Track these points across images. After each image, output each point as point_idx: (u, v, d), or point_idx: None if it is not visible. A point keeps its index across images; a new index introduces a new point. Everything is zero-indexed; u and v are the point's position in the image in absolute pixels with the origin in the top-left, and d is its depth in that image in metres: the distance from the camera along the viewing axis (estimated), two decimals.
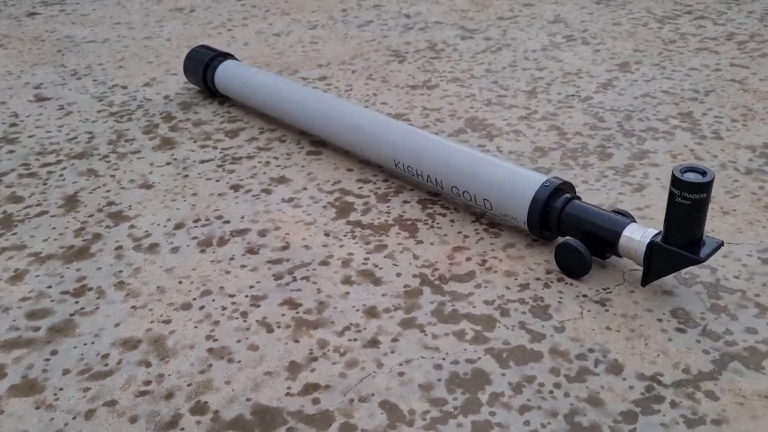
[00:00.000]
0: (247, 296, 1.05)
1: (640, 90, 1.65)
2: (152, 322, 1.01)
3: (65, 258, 1.15)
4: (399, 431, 0.83)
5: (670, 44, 1.91)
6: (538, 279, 1.06)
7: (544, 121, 1.53)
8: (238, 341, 0.97)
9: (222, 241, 1.18)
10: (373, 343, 0.96)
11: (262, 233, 1.19)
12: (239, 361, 0.94)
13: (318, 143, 1.47)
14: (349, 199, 1.28)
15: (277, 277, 1.09)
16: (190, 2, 2.43)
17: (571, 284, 1.05)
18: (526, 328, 0.97)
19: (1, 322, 1.02)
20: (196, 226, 1.22)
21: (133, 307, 1.04)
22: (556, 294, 1.03)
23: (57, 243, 1.19)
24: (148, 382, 0.91)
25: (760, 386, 0.87)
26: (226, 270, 1.11)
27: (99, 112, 1.65)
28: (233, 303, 1.04)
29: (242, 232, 1.20)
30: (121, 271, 1.11)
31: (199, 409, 0.87)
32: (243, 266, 1.11)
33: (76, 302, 1.05)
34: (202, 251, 1.15)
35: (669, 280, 1.04)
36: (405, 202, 1.27)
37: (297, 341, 0.97)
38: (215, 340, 0.97)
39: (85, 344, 0.97)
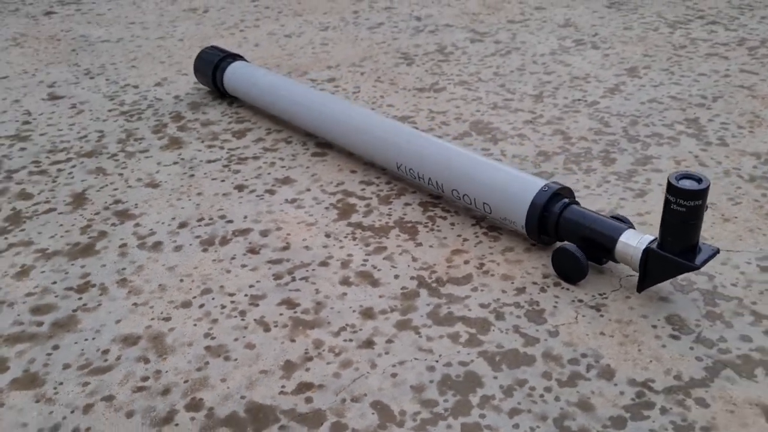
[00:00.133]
0: (246, 295, 1.07)
1: (647, 95, 1.65)
2: (152, 319, 1.03)
3: (71, 255, 1.17)
4: (389, 431, 0.84)
5: (680, 49, 1.90)
6: (534, 283, 1.07)
7: (550, 125, 1.53)
8: (236, 340, 0.98)
9: (224, 241, 1.19)
10: (368, 343, 0.97)
11: (264, 233, 1.21)
12: (236, 359, 0.95)
13: (323, 145, 1.48)
14: (352, 200, 1.29)
15: (277, 276, 1.10)
16: (204, 2, 2.46)
17: (568, 289, 1.05)
18: (520, 332, 0.98)
19: (5, 316, 1.04)
20: (199, 225, 1.24)
21: (135, 304, 1.06)
22: (552, 298, 1.04)
23: (63, 240, 1.21)
24: (145, 378, 0.93)
25: (751, 394, 0.87)
26: (226, 269, 1.12)
27: (110, 111, 1.68)
28: (232, 302, 1.05)
29: (244, 232, 1.21)
30: (124, 269, 1.13)
31: (194, 405, 0.88)
32: (243, 266, 1.13)
33: (80, 298, 1.07)
34: (205, 250, 1.17)
35: (665, 286, 1.04)
36: (407, 204, 1.28)
37: (293, 341, 0.98)
38: (213, 338, 0.99)
39: (86, 340, 0.99)
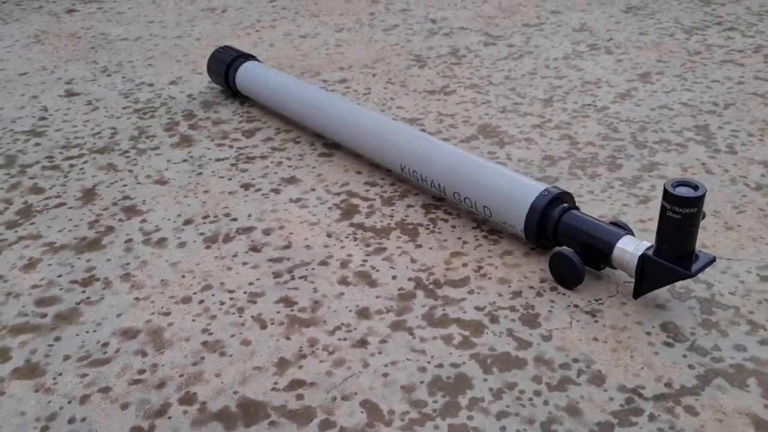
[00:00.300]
0: (245, 292, 1.08)
1: (658, 101, 1.64)
2: (152, 313, 1.05)
3: (77, 249, 1.20)
4: (377, 430, 0.85)
5: (695, 55, 1.89)
6: (531, 287, 1.07)
7: (557, 129, 1.53)
8: (232, 336, 1.00)
9: (227, 238, 1.21)
10: (362, 343, 0.98)
11: (267, 232, 1.22)
12: (231, 355, 0.97)
13: (331, 146, 1.50)
14: (355, 201, 1.30)
15: (277, 275, 1.12)
16: (222, 2, 2.49)
17: (564, 294, 1.06)
18: (513, 336, 0.98)
19: (11, 307, 1.07)
20: (204, 223, 1.25)
21: (136, 298, 1.08)
22: (548, 303, 1.04)
23: (71, 234, 1.24)
24: (142, 371, 0.95)
25: (742, 404, 0.87)
26: (228, 266, 1.14)
27: (124, 108, 1.71)
28: (231, 299, 1.07)
29: (248, 230, 1.23)
30: (128, 264, 1.16)
31: (187, 399, 0.90)
32: (245, 263, 1.15)
33: (83, 291, 1.10)
34: (208, 247, 1.19)
35: (662, 293, 1.04)
36: (409, 206, 1.28)
37: (288, 338, 0.99)
38: (210, 334, 1.00)
39: (87, 332, 1.02)
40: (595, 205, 1.26)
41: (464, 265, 1.13)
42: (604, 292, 1.06)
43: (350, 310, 1.04)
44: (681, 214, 0.92)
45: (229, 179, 1.39)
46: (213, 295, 1.08)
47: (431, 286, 1.08)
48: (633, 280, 1.03)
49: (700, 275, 1.07)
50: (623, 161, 1.40)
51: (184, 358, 0.96)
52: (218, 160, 1.46)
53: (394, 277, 1.10)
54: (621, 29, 2.10)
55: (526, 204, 1.11)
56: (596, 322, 1.00)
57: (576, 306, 1.03)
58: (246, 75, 1.65)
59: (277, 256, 1.16)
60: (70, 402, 0.90)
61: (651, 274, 0.99)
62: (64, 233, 1.24)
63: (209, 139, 1.55)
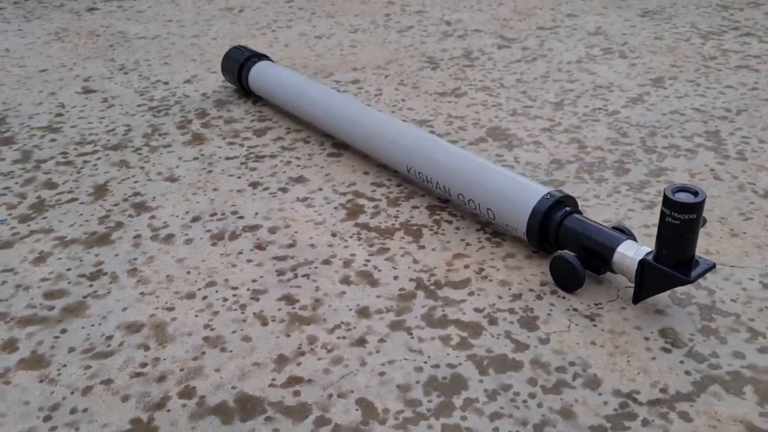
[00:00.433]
0: (248, 289, 1.10)
1: (669, 106, 1.64)
2: (157, 308, 1.07)
3: (87, 243, 1.22)
4: (371, 428, 0.86)
5: (710, 60, 1.88)
6: (531, 290, 1.08)
7: (566, 133, 1.53)
8: (233, 332, 1.02)
9: (233, 236, 1.23)
10: (361, 342, 0.99)
11: (273, 230, 1.24)
12: (231, 351, 0.98)
13: (340, 146, 1.51)
14: (361, 201, 1.32)
15: (280, 273, 1.13)
16: (240, 2, 2.51)
17: (564, 297, 1.06)
18: (511, 338, 0.99)
19: (20, 299, 1.09)
20: (211, 220, 1.27)
21: (142, 293, 1.10)
22: (547, 306, 1.04)
23: (82, 229, 1.26)
24: (144, 365, 0.96)
25: (737, 411, 0.87)
26: (233, 263, 1.16)
27: (139, 106, 1.73)
28: (234, 295, 1.09)
29: (254, 228, 1.24)
30: (135, 259, 1.18)
31: (187, 393, 0.92)
32: (249, 261, 1.16)
33: (90, 285, 1.12)
34: (214, 244, 1.21)
35: (663, 299, 1.04)
36: (414, 207, 1.29)
37: (288, 335, 1.01)
38: (212, 330, 1.02)
39: (93, 325, 1.04)
40: (600, 209, 1.26)
41: (466, 266, 1.13)
42: (605, 296, 1.06)
43: (350, 309, 1.05)
44: (680, 220, 0.92)
45: (238, 177, 1.41)
46: (217, 291, 1.10)
47: (432, 287, 1.09)
48: (633, 285, 1.03)
49: (702, 281, 1.07)
50: (631, 166, 1.40)
51: (185, 353, 0.98)
52: (228, 158, 1.48)
53: (395, 278, 1.11)
54: (636, 33, 2.10)
55: (528, 207, 1.11)
56: (595, 326, 1.00)
57: (575, 310, 1.03)
58: (258, 75, 1.67)
59: (281, 254, 1.17)
60: (72, 393, 0.92)
61: (650, 280, 0.99)
62: (75, 228, 1.26)
63: (221, 137, 1.57)
